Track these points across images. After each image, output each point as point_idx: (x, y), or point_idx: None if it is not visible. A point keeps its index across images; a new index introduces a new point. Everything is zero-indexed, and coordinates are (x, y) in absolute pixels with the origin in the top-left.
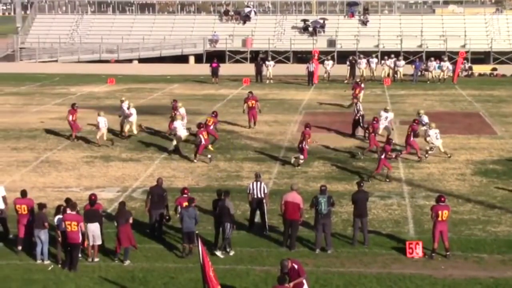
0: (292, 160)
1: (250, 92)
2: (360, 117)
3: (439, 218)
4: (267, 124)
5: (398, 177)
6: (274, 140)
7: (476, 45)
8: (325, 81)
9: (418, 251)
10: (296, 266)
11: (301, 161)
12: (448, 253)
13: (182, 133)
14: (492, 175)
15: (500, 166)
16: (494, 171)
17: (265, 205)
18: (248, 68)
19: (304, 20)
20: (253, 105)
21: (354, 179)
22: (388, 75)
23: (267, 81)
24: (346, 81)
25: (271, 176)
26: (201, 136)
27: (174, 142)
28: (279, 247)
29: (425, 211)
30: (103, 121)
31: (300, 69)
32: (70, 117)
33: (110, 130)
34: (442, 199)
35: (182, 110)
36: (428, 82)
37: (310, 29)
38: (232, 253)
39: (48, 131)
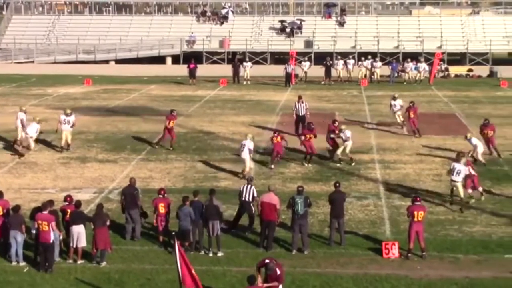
0: None
1: (335, 121)
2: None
3: (415, 219)
4: (244, 125)
5: (375, 178)
6: None
7: (452, 46)
8: (302, 82)
9: (394, 252)
10: (278, 272)
11: None
12: (424, 253)
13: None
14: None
15: (476, 167)
16: None
17: (252, 208)
18: (226, 69)
19: (281, 21)
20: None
21: (330, 180)
22: (365, 76)
23: (244, 82)
24: (323, 82)
25: None
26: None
27: None
28: (256, 248)
29: (401, 212)
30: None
31: (277, 70)
32: None
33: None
34: (418, 199)
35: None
36: (405, 83)
37: (287, 30)
38: (220, 254)
39: None
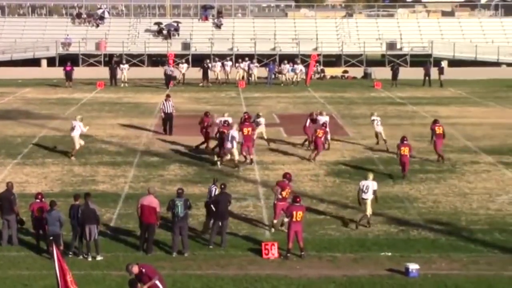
0: None
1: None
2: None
3: (294, 219)
4: (122, 128)
5: (254, 179)
6: (129, 143)
7: (327, 48)
8: (180, 84)
9: (274, 252)
10: (144, 270)
11: None
12: (302, 253)
13: None
14: (344, 176)
15: (352, 166)
16: (346, 172)
17: None
18: (102, 72)
19: (158, 23)
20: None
21: (210, 182)
22: (243, 77)
23: (122, 85)
24: (201, 84)
25: (127, 180)
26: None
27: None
28: (135, 252)
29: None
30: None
31: (155, 72)
32: None
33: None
34: (298, 199)
35: None
36: (282, 84)
37: (164, 32)
38: (99, 258)
39: None
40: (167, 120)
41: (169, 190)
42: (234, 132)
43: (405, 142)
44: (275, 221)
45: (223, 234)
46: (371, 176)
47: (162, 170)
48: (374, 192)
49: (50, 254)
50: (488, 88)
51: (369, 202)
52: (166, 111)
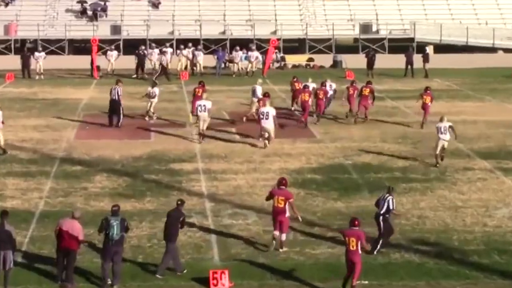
0: None
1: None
2: None
3: (350, 246)
4: (37, 130)
5: (199, 192)
6: (45, 149)
7: (288, 31)
8: (109, 75)
9: (224, 282)
10: None
11: None
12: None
13: None
14: (311, 186)
15: (320, 175)
16: (313, 181)
17: (382, 223)
18: (13, 61)
19: (81, 2)
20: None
21: (145, 196)
22: (186, 68)
23: (37, 77)
24: (134, 76)
25: (42, 195)
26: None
27: None
28: (52, 283)
29: (232, 232)
30: None
31: (78, 62)
32: None
33: None
34: (356, 222)
35: None
36: (234, 75)
37: (89, 12)
38: None
39: None
40: (113, 109)
41: (94, 206)
42: (272, 110)
43: (428, 91)
44: (284, 237)
45: (175, 257)
46: (445, 117)
47: (86, 181)
48: (452, 128)
49: None
50: (482, 78)
51: (447, 144)
52: (114, 98)
